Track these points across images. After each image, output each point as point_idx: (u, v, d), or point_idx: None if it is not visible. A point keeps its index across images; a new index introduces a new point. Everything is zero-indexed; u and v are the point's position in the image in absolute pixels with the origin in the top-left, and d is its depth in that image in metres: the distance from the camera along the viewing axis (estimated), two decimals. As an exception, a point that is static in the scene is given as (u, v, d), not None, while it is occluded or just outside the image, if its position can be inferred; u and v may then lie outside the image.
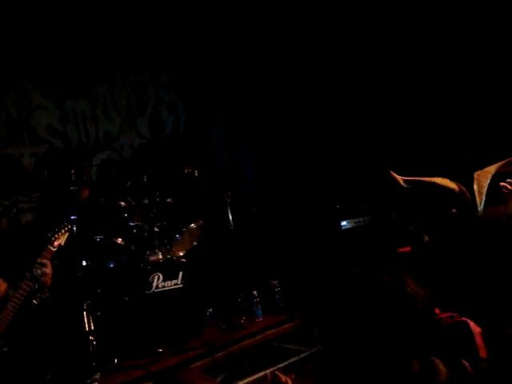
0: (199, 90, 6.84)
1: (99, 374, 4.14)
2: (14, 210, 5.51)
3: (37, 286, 3.58)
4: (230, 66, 6.68)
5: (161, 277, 4.62)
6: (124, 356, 4.48)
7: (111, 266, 4.78)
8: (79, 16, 5.69)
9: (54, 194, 5.61)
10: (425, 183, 3.33)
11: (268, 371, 2.29)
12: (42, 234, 3.89)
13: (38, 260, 3.60)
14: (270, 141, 6.63)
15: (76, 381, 3.92)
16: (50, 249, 3.67)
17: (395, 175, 3.32)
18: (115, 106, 6.36)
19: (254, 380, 4.46)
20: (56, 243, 3.70)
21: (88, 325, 4.53)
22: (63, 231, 3.77)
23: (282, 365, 4.68)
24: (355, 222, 5.90)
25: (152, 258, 4.73)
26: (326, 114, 6.23)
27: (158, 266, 4.65)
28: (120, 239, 4.71)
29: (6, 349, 3.46)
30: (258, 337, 4.84)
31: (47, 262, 3.62)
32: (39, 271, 3.56)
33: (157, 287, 4.61)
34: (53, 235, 3.72)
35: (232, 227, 5.54)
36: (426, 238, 2.95)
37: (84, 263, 4.75)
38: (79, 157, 5.87)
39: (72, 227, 4.57)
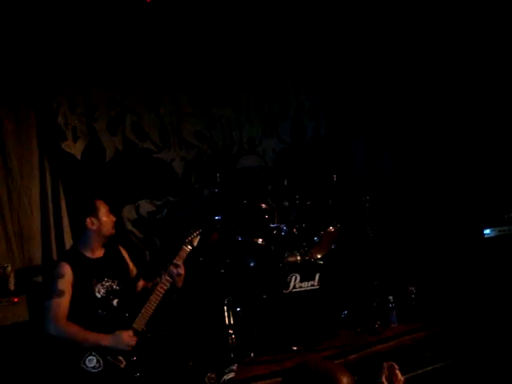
0: (340, 96, 6.94)
1: (236, 365, 4.37)
2: (165, 209, 5.96)
3: (169, 285, 3.82)
4: (372, 72, 6.72)
5: (298, 277, 4.78)
6: (260, 351, 4.68)
7: (251, 265, 5.03)
8: (226, 34, 6.03)
9: (201, 195, 6.01)
10: None
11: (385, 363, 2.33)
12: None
13: (174, 261, 3.84)
14: (411, 146, 6.58)
15: (214, 369, 4.17)
16: (184, 249, 3.90)
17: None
18: (258, 112, 6.63)
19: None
20: (189, 246, 3.93)
21: (228, 319, 4.82)
22: (195, 234, 3.99)
23: (414, 373, 4.65)
24: (500, 231, 5.68)
25: (290, 259, 4.91)
26: (470, 119, 6.07)
27: (295, 267, 4.82)
28: (260, 240, 4.96)
29: (149, 335, 3.74)
30: (392, 342, 4.84)
31: (181, 263, 3.85)
32: (174, 271, 3.82)
33: (294, 287, 4.77)
34: (187, 237, 3.95)
35: (370, 231, 5.59)
36: None
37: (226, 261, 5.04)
38: (224, 161, 6.22)
39: (214, 228, 4.92)
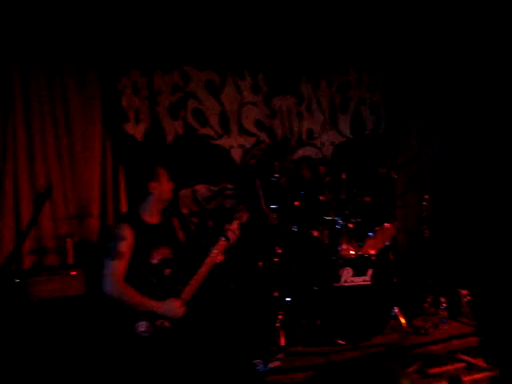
0: (401, 92, 6.84)
1: (283, 353, 4.39)
2: (221, 195, 6.02)
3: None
4: (436, 69, 6.62)
5: (350, 272, 4.76)
6: (307, 342, 4.72)
7: (304, 256, 5.04)
8: (292, 24, 6.04)
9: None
10: None
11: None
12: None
13: (227, 226, 3.88)
14: (471, 147, 6.46)
15: (261, 356, 4.20)
16: (235, 221, 3.93)
17: None
18: (319, 104, 6.59)
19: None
20: (239, 220, 3.94)
21: (277, 308, 4.85)
22: (245, 211, 4.05)
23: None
24: None
25: (344, 253, 4.89)
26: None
27: (348, 261, 4.80)
28: (316, 231, 4.95)
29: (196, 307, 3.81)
30: (442, 345, 4.77)
31: (235, 226, 3.90)
32: (229, 232, 3.87)
33: (345, 281, 4.76)
34: (236, 212, 4.02)
35: (426, 230, 5.51)
36: None
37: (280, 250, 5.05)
38: (282, 151, 6.22)
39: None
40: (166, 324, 3.63)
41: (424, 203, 5.51)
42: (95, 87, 5.60)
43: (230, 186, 6.05)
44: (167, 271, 3.81)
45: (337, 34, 6.34)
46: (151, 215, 3.87)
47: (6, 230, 5.17)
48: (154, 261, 3.76)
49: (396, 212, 6.26)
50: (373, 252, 5.05)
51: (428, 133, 6.84)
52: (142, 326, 3.57)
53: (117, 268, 3.61)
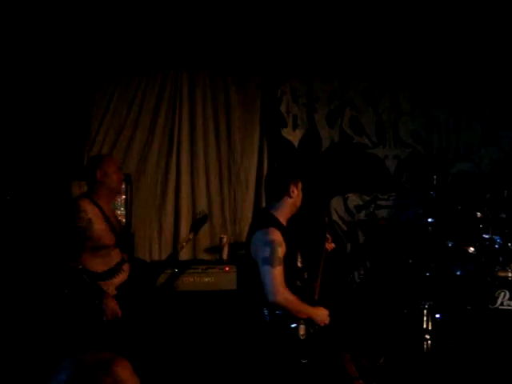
0: None
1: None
2: (373, 205, 6.00)
3: None
4: None
5: (507, 295, 4.56)
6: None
7: (458, 273, 4.89)
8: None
9: (411, 196, 5.95)
10: None
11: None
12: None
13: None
14: None
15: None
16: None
17: None
18: (479, 118, 6.35)
19: None
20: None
21: (426, 323, 4.76)
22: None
23: None
24: None
25: (501, 274, 4.69)
26: None
27: (505, 284, 4.60)
28: (472, 249, 4.79)
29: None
30: None
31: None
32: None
33: (501, 304, 4.56)
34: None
35: None
36: None
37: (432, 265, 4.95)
38: (439, 164, 6.06)
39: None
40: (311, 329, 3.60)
41: None
42: (256, 92, 5.86)
43: (382, 197, 6.01)
44: (305, 274, 3.78)
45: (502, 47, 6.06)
46: (285, 219, 3.73)
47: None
48: (299, 264, 3.72)
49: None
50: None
51: None
52: (302, 330, 3.53)
53: (280, 275, 3.48)
